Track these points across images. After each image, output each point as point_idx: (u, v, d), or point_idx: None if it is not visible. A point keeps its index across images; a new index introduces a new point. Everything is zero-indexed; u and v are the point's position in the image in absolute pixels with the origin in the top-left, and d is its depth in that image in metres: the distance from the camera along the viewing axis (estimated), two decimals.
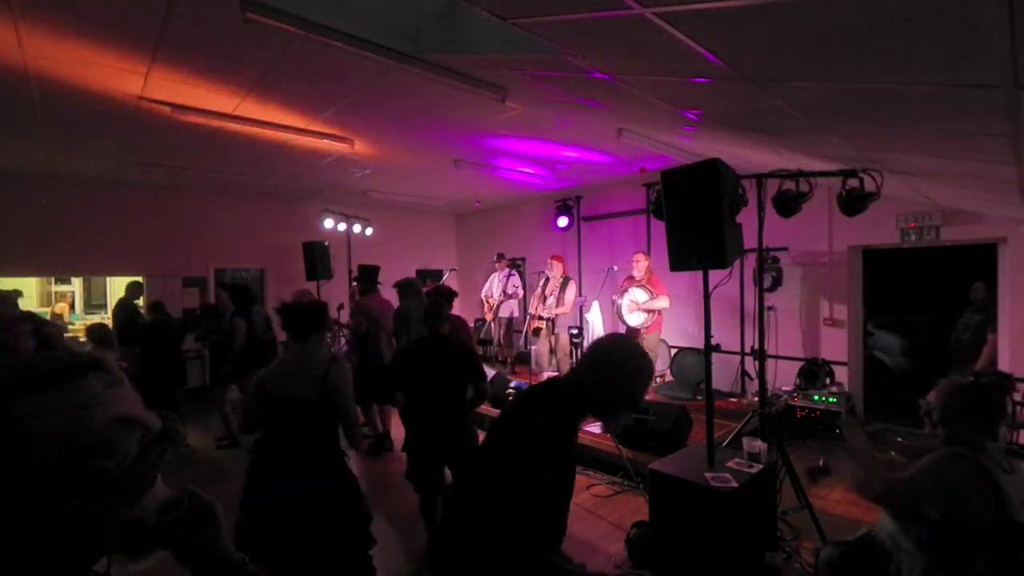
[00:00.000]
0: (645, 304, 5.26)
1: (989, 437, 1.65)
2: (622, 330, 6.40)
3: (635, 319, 5.33)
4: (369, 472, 4.44)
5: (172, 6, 2.40)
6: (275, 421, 2.30)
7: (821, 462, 1.98)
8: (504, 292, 7.11)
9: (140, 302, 6.33)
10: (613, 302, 5.50)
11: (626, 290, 5.43)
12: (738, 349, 5.80)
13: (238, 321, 5.00)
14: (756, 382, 3.64)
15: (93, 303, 9.12)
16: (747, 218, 2.83)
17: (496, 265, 7.41)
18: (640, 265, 5.41)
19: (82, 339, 6.80)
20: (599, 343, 1.47)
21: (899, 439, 1.97)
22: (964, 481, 1.56)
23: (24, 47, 2.77)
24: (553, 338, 6.19)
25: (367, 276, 5.34)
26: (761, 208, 3.27)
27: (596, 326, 6.71)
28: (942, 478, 1.60)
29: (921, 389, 1.96)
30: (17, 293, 5.56)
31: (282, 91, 3.52)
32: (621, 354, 1.41)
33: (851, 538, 2.03)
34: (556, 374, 6.51)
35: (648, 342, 5.30)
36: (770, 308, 5.73)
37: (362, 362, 4.84)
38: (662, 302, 5.21)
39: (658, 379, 6.12)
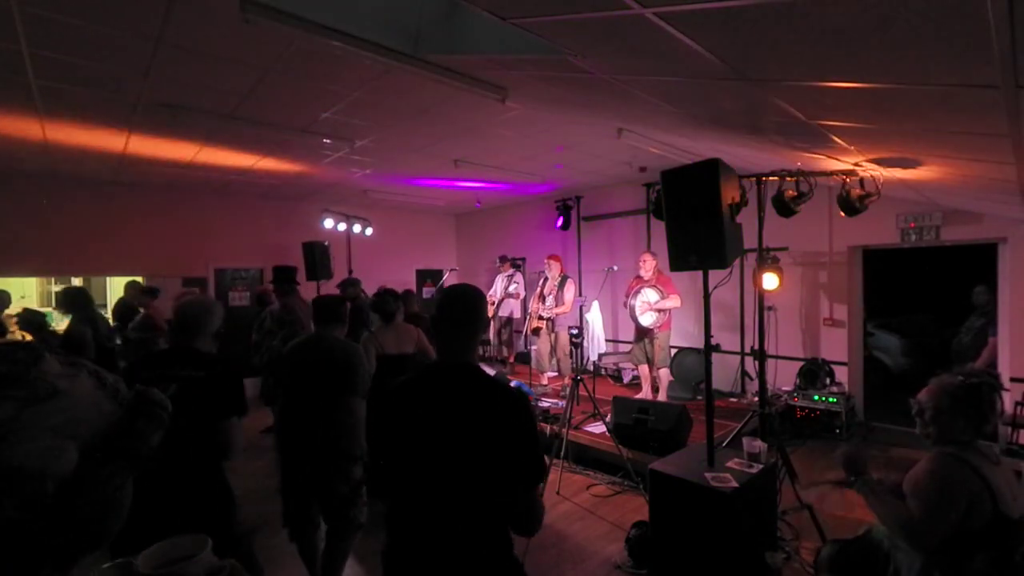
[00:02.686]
0: (657, 304, 5.24)
1: (980, 435, 1.65)
2: (621, 330, 6.39)
3: (647, 319, 5.31)
4: None
5: (172, 6, 2.40)
6: (387, 370, 3.29)
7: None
8: (506, 291, 7.12)
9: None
10: (626, 303, 5.47)
11: (638, 291, 5.39)
12: (738, 349, 5.81)
13: (81, 329, 4.40)
14: (756, 382, 3.64)
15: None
16: (747, 218, 2.83)
17: (499, 268, 7.44)
18: (647, 265, 5.36)
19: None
20: (441, 306, 1.49)
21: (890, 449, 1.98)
22: (954, 486, 1.56)
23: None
24: (553, 337, 6.19)
25: (285, 277, 5.25)
26: (761, 208, 3.28)
27: (596, 326, 6.71)
28: (931, 484, 1.60)
29: (921, 389, 1.97)
30: (5, 295, 5.32)
31: (282, 91, 3.53)
32: (462, 301, 1.50)
33: (850, 537, 2.03)
34: (556, 374, 6.56)
35: (659, 340, 5.30)
36: (770, 308, 5.74)
37: None
38: (673, 301, 5.19)
39: None
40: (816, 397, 5.19)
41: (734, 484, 2.49)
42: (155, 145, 4.83)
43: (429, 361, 3.62)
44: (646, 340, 5.40)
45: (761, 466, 2.71)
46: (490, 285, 7.64)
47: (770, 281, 3.64)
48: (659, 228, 6.29)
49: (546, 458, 4.24)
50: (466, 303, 1.49)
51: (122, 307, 6.13)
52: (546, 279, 6.15)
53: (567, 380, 5.82)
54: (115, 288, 8.21)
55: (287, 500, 2.67)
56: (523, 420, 1.36)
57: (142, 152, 5.06)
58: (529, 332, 6.45)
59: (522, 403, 1.38)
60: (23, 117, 3.91)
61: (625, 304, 5.49)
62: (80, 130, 4.33)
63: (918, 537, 1.59)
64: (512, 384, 5.48)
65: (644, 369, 5.50)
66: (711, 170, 2.60)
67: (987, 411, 1.63)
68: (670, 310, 5.24)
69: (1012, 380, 4.51)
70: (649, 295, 5.32)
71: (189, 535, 0.91)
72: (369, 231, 7.61)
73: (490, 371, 5.81)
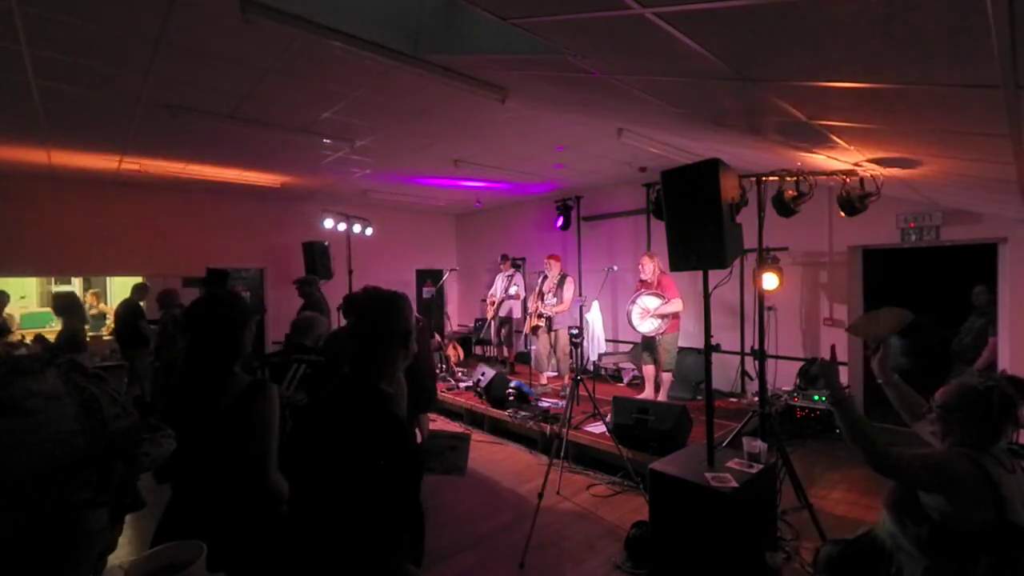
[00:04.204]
0: (657, 310, 5.21)
1: (990, 441, 1.64)
2: (621, 330, 6.38)
3: (647, 326, 5.26)
4: None
5: (172, 6, 2.40)
6: None
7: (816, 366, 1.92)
8: (506, 292, 7.13)
9: (143, 304, 6.32)
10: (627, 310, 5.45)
11: (635, 298, 5.33)
12: (738, 349, 5.80)
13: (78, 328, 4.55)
14: (756, 382, 3.64)
15: None
16: (747, 218, 2.83)
17: (501, 266, 7.45)
18: (646, 267, 5.31)
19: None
20: (346, 313, 1.34)
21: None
22: (962, 479, 1.56)
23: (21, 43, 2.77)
24: (552, 336, 6.19)
25: (214, 280, 5.24)
26: (761, 208, 3.28)
27: (596, 326, 6.71)
28: (942, 472, 1.60)
29: (921, 389, 1.96)
30: (4, 295, 5.29)
31: (282, 91, 3.53)
32: (371, 313, 1.32)
33: (851, 537, 2.03)
34: (555, 374, 6.56)
35: (665, 343, 5.26)
36: (770, 308, 5.74)
37: None
38: (674, 306, 5.15)
39: None
40: (816, 397, 5.19)
41: (734, 484, 2.49)
42: (154, 143, 4.83)
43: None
44: (652, 344, 5.35)
45: (761, 466, 2.71)
46: (490, 285, 7.65)
47: (770, 281, 3.64)
48: (659, 228, 6.29)
49: (544, 457, 4.19)
50: (370, 313, 1.29)
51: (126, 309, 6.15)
52: (545, 278, 6.15)
53: (567, 380, 5.82)
54: (115, 288, 8.21)
55: None
56: (389, 449, 1.13)
57: (138, 165, 5.06)
58: (528, 331, 6.46)
59: (388, 434, 1.16)
60: (23, 113, 3.91)
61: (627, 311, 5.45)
62: (80, 130, 4.33)
63: (880, 457, 1.66)
64: (512, 384, 5.49)
65: (648, 370, 5.48)
66: (711, 170, 2.60)
67: (996, 417, 1.62)
68: (674, 313, 5.21)
69: None
70: (648, 302, 5.27)
71: (183, 542, 0.89)
72: (369, 231, 7.60)
73: (490, 371, 5.81)
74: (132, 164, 5.39)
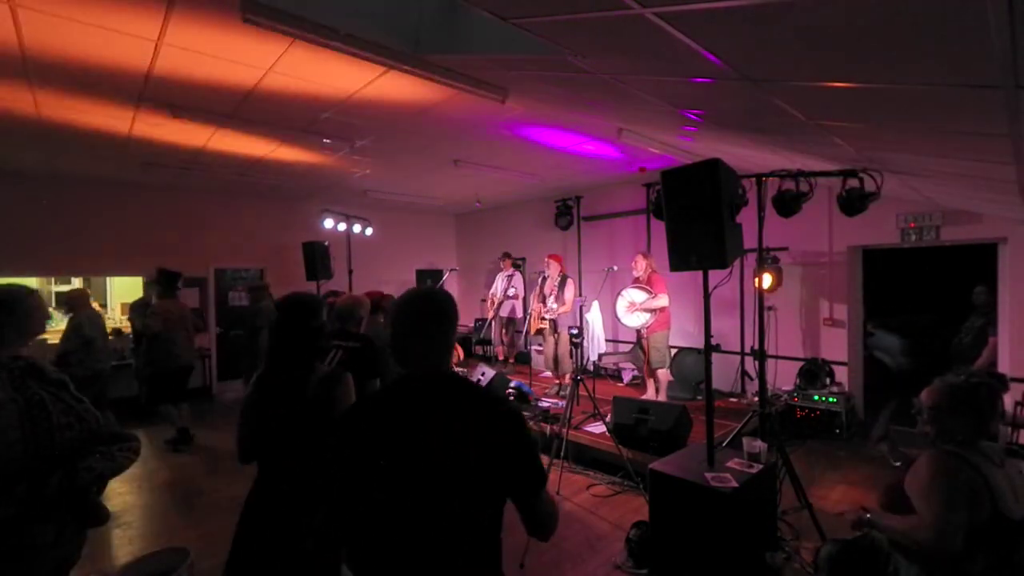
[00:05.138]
0: (644, 304, 5.25)
1: (980, 436, 1.65)
2: (621, 330, 6.38)
3: (635, 320, 5.30)
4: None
5: (172, 6, 2.40)
6: None
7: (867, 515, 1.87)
8: (504, 292, 7.13)
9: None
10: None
11: (620, 292, 5.41)
12: (738, 349, 5.81)
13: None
14: (756, 382, 3.64)
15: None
16: (747, 218, 2.82)
17: (501, 264, 7.45)
18: (639, 265, 5.40)
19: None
20: (408, 313, 1.32)
21: (903, 450, 1.95)
22: (962, 485, 1.56)
23: (24, 42, 2.77)
24: (555, 337, 6.19)
25: (166, 280, 5.34)
26: (761, 208, 3.27)
27: (596, 326, 6.71)
28: (949, 493, 1.59)
29: (921, 389, 1.97)
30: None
31: (282, 92, 3.53)
32: (422, 307, 1.31)
33: (851, 537, 2.03)
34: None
35: (652, 341, 5.28)
36: (770, 308, 5.74)
37: (156, 362, 5.06)
38: (660, 301, 5.20)
39: None
40: (816, 397, 5.19)
41: (734, 484, 2.49)
42: (154, 144, 4.83)
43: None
44: (641, 341, 5.39)
45: (761, 466, 2.71)
46: (490, 284, 7.65)
47: (765, 281, 3.64)
48: (659, 228, 6.29)
49: (545, 458, 4.23)
50: (436, 307, 1.31)
51: (138, 308, 6.16)
52: (545, 279, 6.15)
53: (567, 380, 5.83)
54: (115, 288, 8.20)
55: None
56: (521, 431, 1.25)
57: (141, 151, 5.06)
58: (532, 332, 6.47)
59: (517, 414, 1.29)
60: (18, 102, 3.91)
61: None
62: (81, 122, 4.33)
63: (940, 540, 1.55)
64: (512, 384, 5.49)
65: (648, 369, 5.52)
66: (711, 170, 2.59)
67: (986, 412, 1.63)
68: (662, 310, 5.24)
69: (1012, 380, 4.51)
70: (634, 295, 5.31)
71: (170, 548, 0.88)
72: (369, 231, 7.60)
73: (490, 371, 5.79)
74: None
